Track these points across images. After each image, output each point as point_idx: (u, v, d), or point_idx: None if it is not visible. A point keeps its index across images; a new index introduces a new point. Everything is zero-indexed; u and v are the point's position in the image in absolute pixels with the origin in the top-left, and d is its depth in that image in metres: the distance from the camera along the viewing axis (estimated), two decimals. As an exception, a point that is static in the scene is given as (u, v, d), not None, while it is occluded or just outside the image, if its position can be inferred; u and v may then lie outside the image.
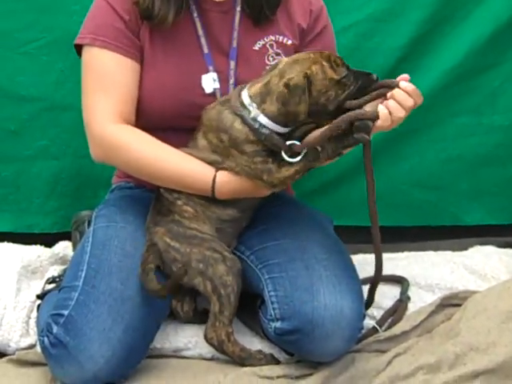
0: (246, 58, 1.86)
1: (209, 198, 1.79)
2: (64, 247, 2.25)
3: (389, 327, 1.90)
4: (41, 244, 2.27)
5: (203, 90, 1.85)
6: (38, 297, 1.97)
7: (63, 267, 2.11)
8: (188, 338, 1.85)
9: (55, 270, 2.13)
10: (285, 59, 1.73)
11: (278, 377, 1.74)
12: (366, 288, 1.85)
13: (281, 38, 1.89)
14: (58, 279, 2.02)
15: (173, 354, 1.84)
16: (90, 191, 2.32)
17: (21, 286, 2.04)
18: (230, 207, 1.81)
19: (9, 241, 2.28)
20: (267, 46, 1.88)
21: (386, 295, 2.02)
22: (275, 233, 1.86)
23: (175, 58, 1.85)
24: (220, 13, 1.87)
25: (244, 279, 1.78)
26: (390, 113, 1.64)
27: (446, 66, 2.32)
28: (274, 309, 1.73)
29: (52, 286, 2.01)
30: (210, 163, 1.76)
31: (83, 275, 1.73)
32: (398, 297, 2.01)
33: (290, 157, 1.69)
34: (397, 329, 1.86)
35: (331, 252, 1.81)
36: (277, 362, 1.79)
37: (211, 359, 1.83)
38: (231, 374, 1.73)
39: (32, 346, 1.88)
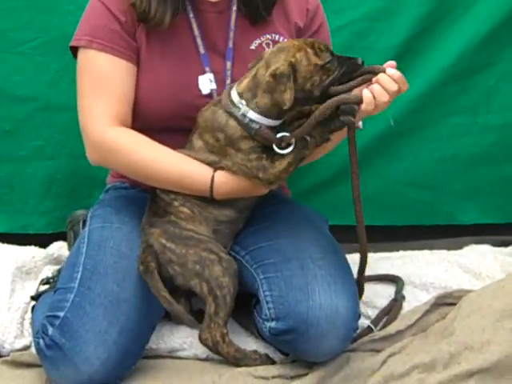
0: (243, 57, 1.86)
1: (206, 199, 1.79)
2: (58, 247, 2.25)
3: (384, 326, 1.90)
4: (36, 245, 2.27)
5: (200, 90, 1.84)
6: (33, 298, 1.97)
7: (57, 267, 2.11)
8: (183, 339, 1.85)
9: (49, 270, 2.13)
10: (269, 50, 1.75)
11: (273, 377, 1.74)
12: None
13: (277, 36, 1.89)
14: (52, 280, 2.02)
15: (168, 354, 1.84)
16: (85, 191, 2.32)
17: (15, 287, 2.03)
18: (227, 208, 1.81)
19: (3, 241, 2.28)
20: (263, 45, 1.88)
21: (381, 294, 2.02)
22: (270, 233, 1.86)
23: (172, 60, 1.84)
24: (216, 13, 1.87)
25: (239, 279, 1.78)
26: (374, 97, 1.64)
27: (440, 65, 2.33)
28: (268, 308, 1.73)
29: (46, 286, 2.01)
30: (208, 164, 1.76)
31: (79, 276, 1.73)
32: (392, 296, 2.02)
33: (282, 149, 1.70)
34: (392, 328, 1.87)
35: (326, 251, 1.81)
36: (272, 362, 1.80)
37: (206, 359, 1.83)
38: (226, 374, 1.73)
39: (27, 348, 1.87)
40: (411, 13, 2.29)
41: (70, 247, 2.14)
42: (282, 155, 1.70)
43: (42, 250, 2.25)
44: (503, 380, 1.66)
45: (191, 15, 1.85)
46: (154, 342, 1.82)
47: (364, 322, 1.89)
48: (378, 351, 1.81)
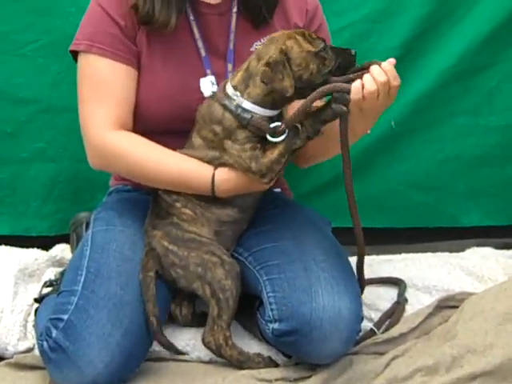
0: (244, 59, 1.84)
1: (208, 199, 1.79)
2: (61, 250, 2.25)
3: (386, 329, 1.90)
4: (38, 247, 2.26)
5: (202, 93, 1.85)
6: (36, 300, 1.97)
7: (60, 270, 2.11)
8: (186, 341, 1.85)
9: (52, 273, 2.13)
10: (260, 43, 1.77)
11: (277, 379, 1.74)
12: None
13: (277, 38, 1.90)
14: (55, 282, 2.02)
15: (171, 357, 1.84)
16: (87, 194, 2.32)
17: (18, 290, 2.03)
18: (230, 207, 1.82)
19: (6, 244, 2.28)
20: None
21: (384, 297, 2.02)
22: (273, 234, 1.86)
23: (173, 63, 1.85)
24: (216, 15, 1.87)
25: (242, 281, 1.78)
26: (363, 86, 1.64)
27: (442, 66, 2.33)
28: (272, 310, 1.73)
29: (49, 289, 2.01)
30: (209, 161, 1.77)
31: (82, 279, 1.73)
32: (395, 299, 2.01)
33: (275, 137, 1.70)
34: (394, 331, 1.87)
35: (329, 254, 1.81)
36: (275, 364, 1.80)
37: (209, 362, 1.83)
38: (229, 377, 1.73)
39: (30, 350, 1.87)
40: (412, 14, 2.29)
41: (72, 250, 2.14)
42: (275, 145, 1.70)
43: (44, 252, 2.24)
44: (506, 383, 1.66)
45: (191, 18, 1.85)
46: (157, 344, 1.82)
47: (367, 325, 1.89)
48: (381, 354, 1.80)
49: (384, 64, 1.66)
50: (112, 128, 1.80)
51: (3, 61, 2.23)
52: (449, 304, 1.95)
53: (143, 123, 1.87)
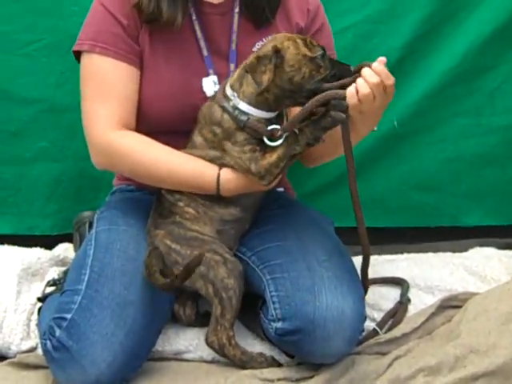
0: (246, 59, 1.86)
1: (211, 198, 1.80)
2: (64, 249, 2.25)
3: (389, 329, 1.90)
4: (41, 246, 2.26)
5: (204, 93, 1.85)
6: (39, 299, 1.97)
7: (63, 269, 2.11)
8: (189, 341, 1.86)
9: (55, 272, 2.13)
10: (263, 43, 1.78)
11: (279, 379, 1.74)
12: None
13: (279, 38, 1.90)
14: (58, 282, 2.02)
15: (174, 356, 1.84)
16: (90, 193, 2.32)
17: (21, 289, 2.03)
18: (233, 206, 1.82)
19: (9, 243, 2.28)
20: None
21: (386, 297, 2.02)
22: (277, 234, 1.86)
23: (175, 62, 1.85)
24: (218, 15, 1.87)
25: (245, 280, 1.79)
26: (357, 90, 1.64)
27: (444, 67, 2.33)
28: (275, 309, 1.73)
29: (52, 288, 2.01)
30: (210, 160, 1.77)
31: (86, 279, 1.74)
32: (398, 299, 2.01)
33: (272, 141, 1.70)
34: (397, 331, 1.87)
35: (332, 253, 1.81)
36: (278, 364, 1.80)
37: (212, 362, 1.83)
38: (232, 376, 1.73)
39: (33, 349, 1.88)
40: (414, 15, 2.29)
41: (76, 249, 2.14)
42: (274, 149, 1.70)
43: (47, 251, 2.24)
44: (509, 383, 1.65)
45: (194, 17, 1.85)
46: (159, 344, 1.83)
47: (369, 325, 1.89)
48: (384, 354, 1.80)
49: (374, 65, 1.65)
50: (115, 127, 1.80)
51: (6, 60, 2.22)
52: (452, 304, 1.95)
53: (146, 123, 1.87)
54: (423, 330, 1.88)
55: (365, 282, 1.83)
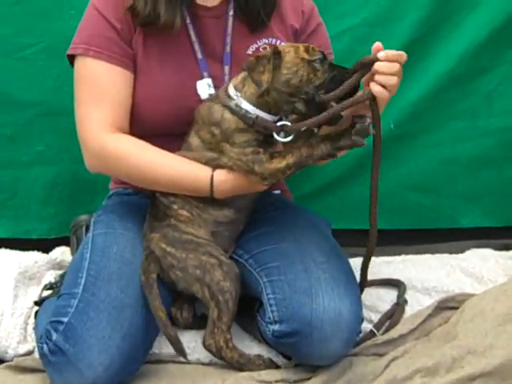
0: (240, 62, 1.85)
1: (206, 200, 1.80)
2: (61, 252, 2.25)
3: (386, 331, 1.91)
4: (38, 250, 2.27)
5: (199, 96, 1.85)
6: (36, 303, 1.97)
7: (60, 272, 2.11)
8: (186, 343, 1.84)
9: (52, 276, 2.13)
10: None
11: (277, 381, 1.74)
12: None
13: (274, 40, 1.90)
14: (55, 285, 2.02)
15: (171, 359, 1.84)
16: (87, 197, 2.33)
17: (18, 293, 2.03)
18: (227, 208, 1.82)
19: (6, 247, 2.29)
20: (261, 49, 1.89)
21: (383, 299, 2.03)
22: (274, 236, 1.86)
23: (169, 65, 1.85)
24: (213, 18, 1.88)
25: (242, 283, 1.79)
26: (384, 86, 1.63)
27: (441, 69, 2.33)
28: (272, 311, 1.73)
29: (49, 292, 2.01)
30: (206, 162, 1.77)
31: (83, 282, 1.73)
32: (395, 300, 2.01)
33: (282, 138, 1.70)
34: (394, 332, 1.87)
35: (329, 255, 1.81)
36: (276, 366, 1.80)
37: (209, 364, 1.83)
38: (229, 379, 1.73)
39: (30, 353, 1.88)
40: (411, 18, 2.30)
41: (72, 252, 2.14)
42: (284, 156, 1.69)
43: (44, 255, 2.25)
44: (506, 384, 1.67)
45: (188, 21, 1.86)
46: (156, 346, 1.83)
47: (367, 327, 1.90)
48: (381, 355, 1.81)
49: (382, 54, 1.62)
50: (109, 130, 1.81)
51: (3, 64, 2.23)
52: (448, 305, 1.95)
53: (140, 125, 1.87)
54: (420, 331, 1.88)
55: (363, 282, 1.83)
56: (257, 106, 1.72)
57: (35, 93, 2.25)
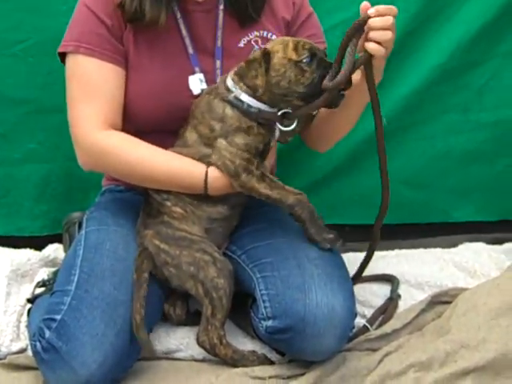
0: (232, 56, 1.86)
1: (199, 197, 1.79)
2: (54, 250, 2.25)
3: (379, 326, 1.91)
4: (31, 247, 2.26)
5: (191, 91, 1.84)
6: (29, 301, 1.97)
7: (53, 270, 2.10)
8: (179, 340, 1.85)
9: (45, 273, 2.13)
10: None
11: (270, 377, 1.74)
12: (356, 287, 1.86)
13: (265, 33, 1.90)
14: (47, 283, 2.01)
15: (164, 356, 1.84)
16: (79, 193, 2.32)
17: (11, 290, 2.03)
18: (220, 204, 1.82)
19: (-1, 244, 2.29)
20: (252, 42, 1.89)
21: (377, 294, 2.03)
22: (267, 232, 1.86)
23: (161, 61, 1.84)
24: (203, 12, 1.87)
25: (235, 279, 1.79)
26: (379, 43, 1.61)
27: (432, 63, 2.33)
28: (265, 307, 1.74)
29: (42, 289, 2.00)
30: (200, 158, 1.77)
31: (75, 279, 1.73)
32: (388, 295, 2.02)
33: (285, 126, 1.72)
34: (387, 327, 1.87)
35: (322, 251, 1.81)
36: (270, 362, 1.80)
37: (203, 361, 1.83)
38: (223, 375, 1.74)
39: (23, 350, 1.87)
40: (402, 12, 2.25)
41: (65, 249, 2.14)
42: (271, 185, 1.73)
43: (37, 252, 2.24)
44: (499, 378, 1.66)
45: (178, 16, 1.85)
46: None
47: (360, 322, 1.90)
48: (375, 350, 1.81)
49: (372, 11, 1.60)
50: (101, 127, 1.80)
51: (-7, 61, 2.22)
52: (442, 300, 1.95)
53: (133, 122, 1.87)
54: (413, 325, 1.88)
55: (359, 273, 1.84)
56: (256, 97, 1.72)
57: (26, 90, 2.24)
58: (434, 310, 1.93)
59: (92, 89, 1.80)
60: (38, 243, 2.28)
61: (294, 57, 1.69)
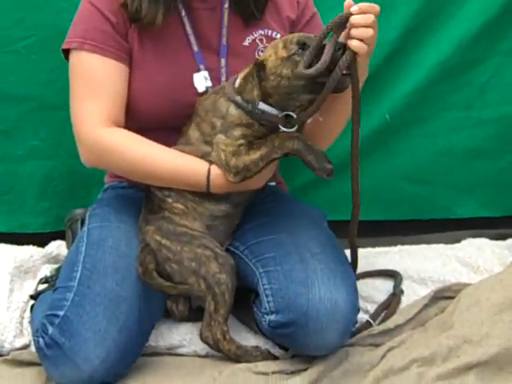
0: (237, 54, 1.87)
1: (202, 194, 1.79)
2: (57, 246, 2.24)
3: (382, 321, 1.91)
4: (34, 244, 2.26)
5: (195, 89, 1.85)
6: (32, 297, 1.97)
7: (56, 266, 2.11)
8: (182, 336, 1.85)
9: (48, 269, 2.13)
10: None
11: (273, 372, 1.74)
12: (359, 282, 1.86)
13: (270, 32, 1.90)
14: (50, 279, 2.02)
15: (167, 351, 1.84)
16: (82, 190, 2.32)
17: (13, 287, 2.03)
18: (223, 202, 1.82)
19: (1, 241, 2.28)
20: (257, 41, 1.89)
21: (380, 289, 2.03)
22: (269, 228, 1.86)
23: (165, 59, 1.85)
24: (208, 10, 1.87)
25: (238, 274, 1.79)
26: (361, 40, 1.61)
27: (434, 61, 2.33)
28: (268, 302, 1.73)
29: (45, 286, 2.01)
30: (201, 156, 1.77)
31: (78, 276, 1.73)
32: (391, 291, 2.02)
33: (288, 128, 1.72)
34: (390, 322, 1.87)
35: (325, 246, 1.81)
36: (273, 357, 1.79)
37: (206, 356, 1.83)
38: (226, 370, 1.73)
39: (26, 346, 1.87)
40: (404, 9, 2.29)
41: (68, 246, 2.14)
42: (257, 148, 1.70)
43: (40, 249, 2.24)
44: (502, 373, 1.66)
45: (183, 13, 1.85)
46: (153, 339, 1.82)
47: (363, 317, 1.90)
48: (377, 346, 1.81)
49: (355, 8, 1.60)
50: (104, 124, 1.80)
51: (-5, 58, 2.22)
52: (445, 295, 1.95)
53: (136, 119, 1.87)
54: (416, 321, 1.88)
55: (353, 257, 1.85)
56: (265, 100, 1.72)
57: (29, 87, 2.24)
58: (437, 305, 1.93)
59: (95, 86, 1.80)
60: (40, 240, 2.28)
61: (284, 54, 1.69)
